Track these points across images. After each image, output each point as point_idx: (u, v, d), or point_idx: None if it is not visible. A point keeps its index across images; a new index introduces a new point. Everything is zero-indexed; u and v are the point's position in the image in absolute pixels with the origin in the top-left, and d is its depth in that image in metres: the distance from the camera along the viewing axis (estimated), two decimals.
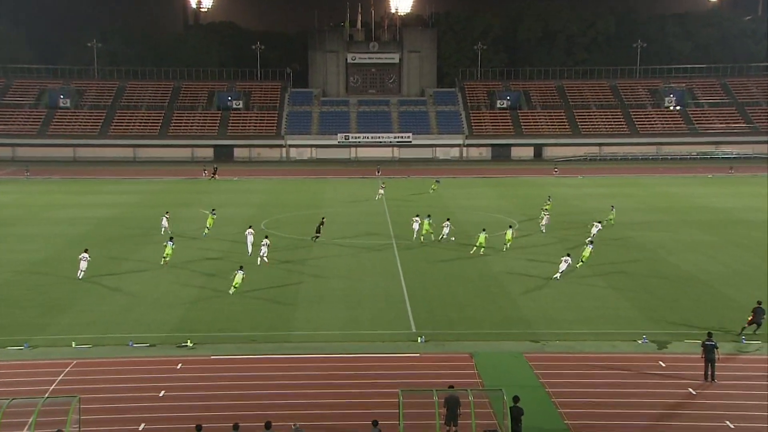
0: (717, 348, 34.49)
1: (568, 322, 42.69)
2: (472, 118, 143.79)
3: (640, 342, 39.41)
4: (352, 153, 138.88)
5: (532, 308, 45.29)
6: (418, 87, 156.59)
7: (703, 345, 34.76)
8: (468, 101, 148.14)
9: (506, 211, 78.91)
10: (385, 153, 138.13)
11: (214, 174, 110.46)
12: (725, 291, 48.59)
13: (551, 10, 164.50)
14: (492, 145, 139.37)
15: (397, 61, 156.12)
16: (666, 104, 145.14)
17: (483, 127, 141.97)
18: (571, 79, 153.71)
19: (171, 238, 58.26)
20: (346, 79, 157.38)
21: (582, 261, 54.42)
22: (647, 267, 55.02)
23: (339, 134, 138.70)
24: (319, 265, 56.16)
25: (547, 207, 75.18)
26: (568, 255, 52.81)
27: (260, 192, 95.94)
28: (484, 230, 60.42)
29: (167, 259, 55.44)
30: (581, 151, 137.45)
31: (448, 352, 38.63)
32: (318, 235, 64.42)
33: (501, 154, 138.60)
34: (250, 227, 61.34)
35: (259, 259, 55.75)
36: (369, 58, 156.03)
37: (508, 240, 60.59)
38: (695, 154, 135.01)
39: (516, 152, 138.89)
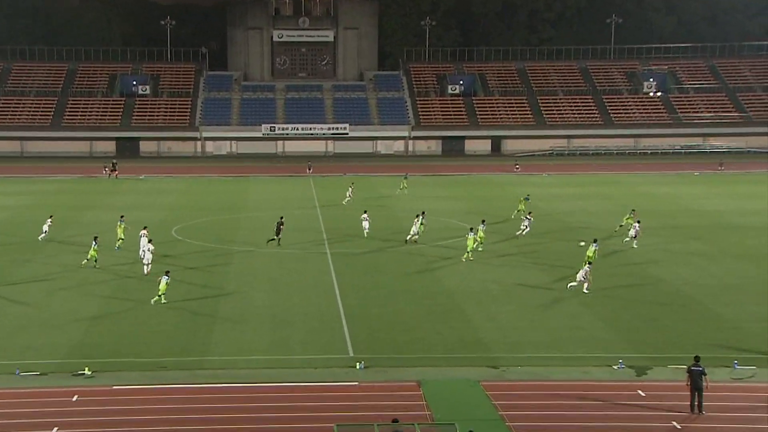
0: (705, 374, 34.78)
1: (533, 345, 42.87)
2: (419, 106, 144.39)
3: (616, 367, 39.66)
4: (279, 147, 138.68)
5: (490, 329, 45.41)
6: (356, 70, 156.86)
7: (689, 371, 35.05)
8: (414, 86, 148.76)
9: (460, 215, 79.22)
10: (317, 147, 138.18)
11: (113, 171, 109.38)
12: (716, 308, 49.15)
13: None
14: (443, 138, 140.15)
15: (331, 39, 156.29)
16: (645, 90, 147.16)
17: (432, 117, 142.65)
18: (535, 60, 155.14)
19: (96, 238, 59.62)
20: (272, 60, 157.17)
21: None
22: (625, 280, 55.52)
23: (263, 125, 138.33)
24: (241, 278, 55.86)
25: (521, 208, 76.03)
26: (589, 263, 53.34)
27: (171, 193, 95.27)
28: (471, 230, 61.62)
29: (91, 261, 57.61)
30: (547, 144, 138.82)
31: (392, 380, 38.55)
32: (277, 238, 65.52)
33: (453, 148, 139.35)
34: (144, 228, 62.14)
35: (145, 267, 56.28)
36: (298, 36, 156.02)
37: (472, 247, 60.83)
38: (679, 147, 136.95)
39: (471, 146, 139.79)
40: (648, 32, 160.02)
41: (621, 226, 70.33)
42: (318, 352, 41.91)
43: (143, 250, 58.00)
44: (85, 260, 58.30)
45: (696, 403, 34.76)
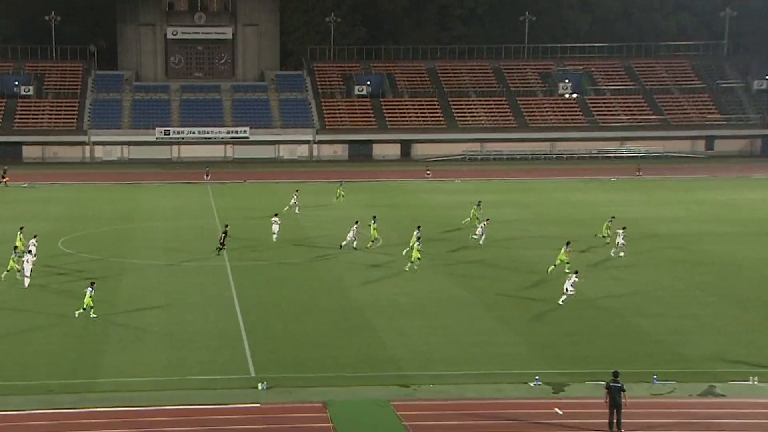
0: (624, 391, 35.29)
1: (445, 362, 43.12)
2: (324, 107, 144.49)
3: (532, 384, 40.07)
4: (175, 152, 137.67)
5: (401, 345, 45.59)
6: (257, 69, 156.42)
7: (608, 387, 35.53)
8: (319, 87, 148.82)
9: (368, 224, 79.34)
10: (216, 152, 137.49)
11: (3, 177, 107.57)
12: (635, 321, 49.90)
13: None
14: (349, 142, 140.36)
15: (229, 36, 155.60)
16: (560, 91, 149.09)
17: (338, 120, 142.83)
18: (446, 59, 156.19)
19: (15, 248, 59.55)
20: (166, 59, 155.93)
21: (557, 265, 57.63)
22: (541, 293, 56.11)
23: (157, 128, 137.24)
24: (134, 293, 55.32)
25: (476, 215, 76.78)
26: (576, 272, 53.81)
27: (58, 201, 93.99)
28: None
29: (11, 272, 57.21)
30: (459, 148, 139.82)
31: (296, 401, 38.49)
32: (222, 247, 65.84)
33: (361, 152, 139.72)
34: (34, 237, 62.13)
35: (26, 280, 56.02)
36: (194, 33, 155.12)
37: (416, 257, 61.23)
38: (596, 152, 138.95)
39: (379, 150, 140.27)
40: (563, 31, 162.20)
41: (603, 236, 70.95)
42: (217, 372, 41.65)
43: (24, 261, 57.25)
44: (5, 272, 57.59)
45: (615, 421, 35.25)
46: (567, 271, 57.41)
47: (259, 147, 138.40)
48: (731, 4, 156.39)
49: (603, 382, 36.51)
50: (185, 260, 65.01)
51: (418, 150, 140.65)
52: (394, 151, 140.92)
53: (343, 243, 68.56)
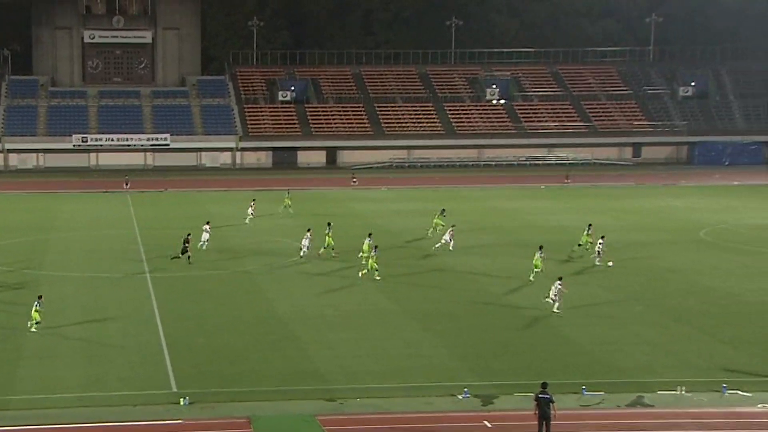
0: (553, 402, 35.61)
1: (373, 375, 43.19)
2: (247, 114, 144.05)
3: (460, 397, 40.25)
4: (93, 160, 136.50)
5: (327, 358, 45.56)
6: (177, 74, 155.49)
7: (537, 399, 35.83)
8: (242, 93, 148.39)
9: (294, 234, 79.22)
10: (136, 160, 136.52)
11: None
12: (564, 331, 50.32)
13: None
14: (273, 149, 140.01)
15: (149, 40, 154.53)
16: (488, 97, 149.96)
17: (262, 126, 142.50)
18: (372, 64, 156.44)
19: None
20: (83, 63, 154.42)
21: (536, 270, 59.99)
22: (470, 303, 56.41)
23: (74, 135, 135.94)
24: (49, 306, 54.41)
25: (440, 223, 77.13)
26: (560, 278, 54.45)
27: None
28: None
29: None
30: (385, 155, 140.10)
31: (219, 416, 38.32)
32: (183, 255, 66.18)
33: (285, 160, 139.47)
34: None
35: None
36: (113, 37, 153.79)
37: (373, 267, 61.29)
38: (524, 159, 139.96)
39: (304, 158, 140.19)
40: (490, 36, 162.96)
41: (579, 245, 71.46)
42: (138, 387, 41.32)
43: None
44: None
45: None
46: (531, 279, 59.93)
47: (181, 154, 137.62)
48: (657, 11, 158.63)
49: (532, 394, 36.77)
50: (104, 272, 64.42)
51: (344, 157, 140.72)
52: (320, 158, 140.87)
53: (302, 253, 68.52)
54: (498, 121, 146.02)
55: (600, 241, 67.31)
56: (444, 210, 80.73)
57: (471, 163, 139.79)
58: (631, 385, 41.56)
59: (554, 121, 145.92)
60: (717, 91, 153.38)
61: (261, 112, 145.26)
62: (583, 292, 59.00)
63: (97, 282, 61.54)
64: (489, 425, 37.41)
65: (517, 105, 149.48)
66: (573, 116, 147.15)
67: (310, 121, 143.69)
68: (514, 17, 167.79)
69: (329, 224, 71.69)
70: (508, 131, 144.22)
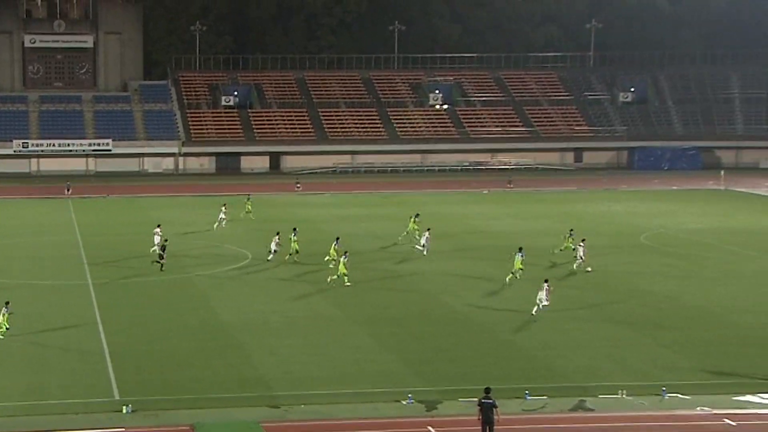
0: (496, 407, 35.79)
1: (318, 381, 43.19)
2: (190, 119, 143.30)
3: (405, 402, 40.35)
4: (34, 165, 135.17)
5: (271, 364, 45.53)
6: (119, 79, 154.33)
7: (480, 404, 36.01)
8: (185, 98, 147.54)
9: (237, 240, 79.09)
10: (77, 165, 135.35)
11: None
12: (507, 336, 50.63)
13: None
14: (216, 155, 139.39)
15: (90, 45, 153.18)
16: (431, 102, 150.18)
17: (205, 131, 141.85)
18: (315, 69, 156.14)
19: None
20: (23, 68, 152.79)
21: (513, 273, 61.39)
22: (416, 308, 56.57)
23: (15, 141, 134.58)
24: None
25: (414, 228, 77.20)
26: (546, 281, 55.10)
27: None
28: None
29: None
30: (329, 160, 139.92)
31: (163, 424, 38.19)
32: (161, 262, 66.23)
33: (228, 165, 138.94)
34: None
35: None
36: (53, 42, 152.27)
37: (342, 272, 61.39)
38: (468, 164, 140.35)
39: (248, 163, 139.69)
40: (433, 41, 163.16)
41: (561, 250, 71.79)
42: (80, 395, 41.07)
43: None
44: None
45: None
46: (507, 280, 61.63)
47: (123, 160, 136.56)
48: (597, 17, 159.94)
49: (476, 399, 36.94)
50: (46, 279, 63.89)
51: (288, 162, 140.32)
52: (263, 163, 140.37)
53: (270, 257, 68.68)
54: (441, 126, 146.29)
55: (581, 244, 67.59)
56: (418, 214, 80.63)
57: (414, 168, 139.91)
58: (574, 390, 41.95)
59: (497, 126, 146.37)
60: (656, 97, 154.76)
61: (204, 117, 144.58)
62: (526, 297, 59.32)
63: (39, 289, 61.03)
64: (432, 431, 37.55)
65: (460, 110, 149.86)
66: (515, 121, 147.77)
67: (254, 126, 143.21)
68: (457, 23, 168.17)
69: (294, 229, 71.43)
70: (451, 136, 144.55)
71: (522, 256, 62.50)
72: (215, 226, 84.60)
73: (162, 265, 66.35)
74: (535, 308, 54.02)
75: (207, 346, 48.67)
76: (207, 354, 47.27)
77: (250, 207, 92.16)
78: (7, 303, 50.07)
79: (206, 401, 40.56)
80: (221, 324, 52.94)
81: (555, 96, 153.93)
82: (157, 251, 67.70)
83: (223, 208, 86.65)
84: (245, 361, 46.09)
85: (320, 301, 58.20)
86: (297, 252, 69.57)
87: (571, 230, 73.77)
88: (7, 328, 49.13)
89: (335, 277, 61.85)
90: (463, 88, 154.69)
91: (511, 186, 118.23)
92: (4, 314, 49.31)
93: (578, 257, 67.22)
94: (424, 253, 71.69)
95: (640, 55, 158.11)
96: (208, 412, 39.24)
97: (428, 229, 73.84)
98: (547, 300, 54.07)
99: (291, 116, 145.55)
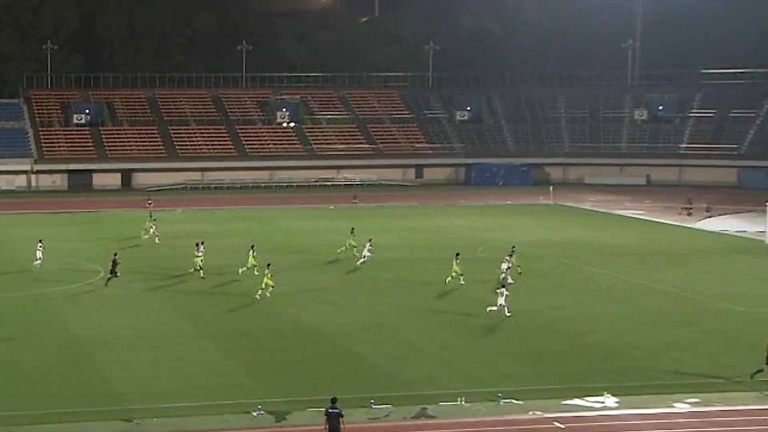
0: (342, 416, 35.98)
1: (170, 394, 42.78)
2: (42, 137, 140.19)
3: (255, 414, 40.24)
4: None
5: (124, 379, 44.91)
6: None
7: (326, 413, 36.18)
8: (36, 116, 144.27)
9: (88, 255, 77.75)
10: None
11: None
12: (353, 348, 50.82)
13: (138, 2, 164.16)
14: (69, 172, 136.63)
15: None
16: (278, 120, 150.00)
17: (57, 149, 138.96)
18: (165, 87, 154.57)
19: None
20: None
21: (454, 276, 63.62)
22: (265, 322, 56.42)
23: None
24: None
25: (353, 243, 76.58)
26: (503, 286, 56.99)
27: None
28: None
29: None
30: (180, 177, 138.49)
31: None
32: (113, 275, 65.05)
33: (81, 182, 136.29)
34: None
35: None
36: None
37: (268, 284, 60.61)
38: (315, 180, 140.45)
39: (99, 180, 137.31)
40: (280, 61, 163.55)
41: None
42: None
43: None
44: None
45: None
46: (457, 282, 64.58)
47: None
48: (434, 39, 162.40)
49: (323, 409, 37.08)
50: None
51: (139, 179, 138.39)
52: (115, 180, 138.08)
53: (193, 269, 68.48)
54: (288, 144, 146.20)
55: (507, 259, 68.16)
56: (353, 228, 79.96)
57: (263, 184, 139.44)
58: (416, 398, 42.38)
59: (342, 143, 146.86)
60: (490, 116, 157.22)
61: (56, 134, 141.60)
62: (370, 308, 59.83)
63: None
64: None
65: (306, 128, 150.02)
66: (359, 139, 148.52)
67: (105, 144, 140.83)
68: (303, 43, 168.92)
69: (197, 244, 70.74)
70: (298, 153, 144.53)
71: (458, 261, 64.92)
72: (145, 235, 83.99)
73: (113, 276, 65.37)
74: (496, 310, 56.33)
75: (59, 361, 47.76)
76: (60, 369, 46.39)
77: (151, 225, 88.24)
78: None
79: (60, 416, 39.76)
80: (73, 338, 52.03)
81: (396, 114, 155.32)
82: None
83: (153, 221, 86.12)
84: (98, 376, 45.37)
85: (171, 315, 57.66)
86: (200, 267, 68.68)
87: (513, 247, 73.13)
88: None
89: (263, 289, 61.05)
90: (309, 106, 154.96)
91: (356, 201, 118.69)
92: None
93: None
94: (366, 262, 72.70)
95: (476, 76, 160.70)
96: (61, 427, 38.57)
97: (370, 240, 74.52)
98: (504, 305, 56.35)
99: (142, 134, 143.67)
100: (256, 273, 66.25)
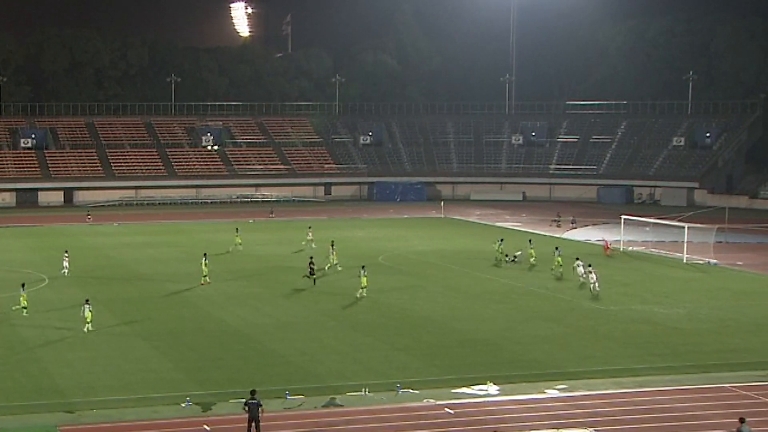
0: (261, 406, 35.90)
1: (107, 389, 42.17)
2: None
3: (183, 405, 39.88)
4: None
5: (66, 375, 44.14)
6: None
7: (246, 404, 36.04)
8: None
9: (35, 265, 76.20)
10: None
11: None
12: (270, 345, 50.59)
13: (79, 38, 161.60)
14: (17, 190, 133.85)
15: None
16: (204, 143, 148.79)
17: (6, 170, 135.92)
18: (103, 115, 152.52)
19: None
20: None
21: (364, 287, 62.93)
22: (192, 323, 55.87)
23: None
24: None
25: (335, 259, 75.53)
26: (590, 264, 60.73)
27: None
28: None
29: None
30: (116, 195, 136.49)
31: None
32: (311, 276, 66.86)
33: (27, 199, 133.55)
34: None
35: None
36: None
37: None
38: (236, 197, 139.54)
39: (44, 197, 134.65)
40: (204, 91, 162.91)
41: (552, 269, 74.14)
42: None
43: None
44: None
45: None
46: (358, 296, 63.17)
47: None
48: (340, 73, 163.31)
49: (243, 400, 36.90)
50: None
51: (80, 197, 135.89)
52: (58, 197, 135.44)
53: (65, 272, 68.06)
54: (213, 164, 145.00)
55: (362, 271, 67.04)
56: (333, 242, 78.66)
57: (190, 200, 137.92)
58: (326, 389, 42.39)
59: (260, 164, 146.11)
60: (389, 140, 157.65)
61: (5, 157, 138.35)
62: (284, 310, 59.65)
63: None
64: (208, 428, 37.32)
65: (228, 150, 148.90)
66: (275, 160, 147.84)
67: (49, 165, 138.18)
68: (224, 76, 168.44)
69: (205, 255, 69.81)
70: (222, 173, 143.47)
71: (364, 273, 63.71)
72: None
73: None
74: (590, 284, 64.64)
75: (8, 359, 46.81)
76: (7, 367, 45.46)
77: (311, 235, 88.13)
78: None
79: (7, 409, 39.05)
80: (21, 339, 50.99)
81: (308, 139, 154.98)
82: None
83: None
84: (43, 372, 44.56)
85: (109, 317, 56.73)
86: (205, 276, 68.01)
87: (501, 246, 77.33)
88: None
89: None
90: (231, 131, 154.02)
91: (273, 215, 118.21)
92: None
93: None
94: (338, 268, 73.42)
95: (376, 105, 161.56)
96: (8, 419, 37.82)
97: (332, 243, 75.83)
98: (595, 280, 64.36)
99: (82, 156, 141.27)
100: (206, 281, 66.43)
